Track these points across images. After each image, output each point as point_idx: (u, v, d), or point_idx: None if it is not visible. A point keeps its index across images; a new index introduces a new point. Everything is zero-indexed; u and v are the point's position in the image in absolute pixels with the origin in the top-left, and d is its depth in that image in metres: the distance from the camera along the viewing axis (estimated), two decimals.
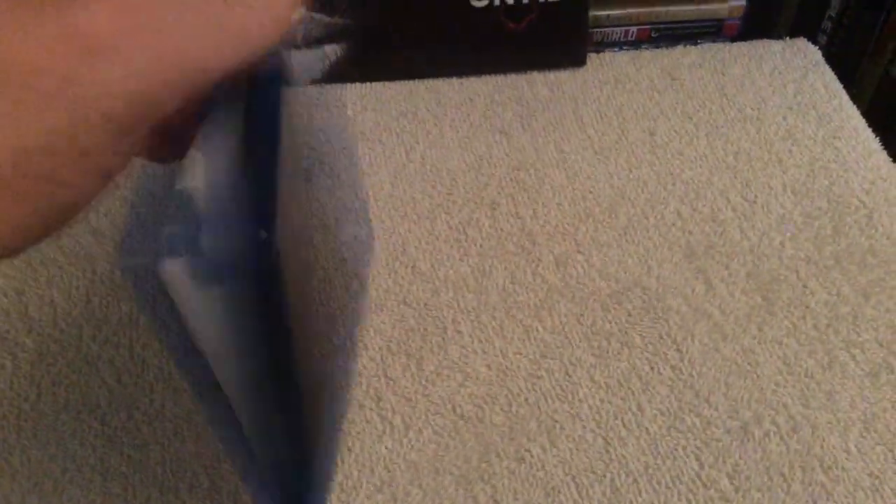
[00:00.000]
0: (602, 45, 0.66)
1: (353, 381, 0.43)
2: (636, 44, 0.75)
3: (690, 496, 0.40)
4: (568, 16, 0.59)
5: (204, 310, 0.26)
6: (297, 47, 0.66)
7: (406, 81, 0.60)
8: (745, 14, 0.76)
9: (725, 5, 0.75)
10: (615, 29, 0.78)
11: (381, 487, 0.41)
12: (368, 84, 0.60)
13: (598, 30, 0.78)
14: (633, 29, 0.77)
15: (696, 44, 0.65)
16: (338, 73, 0.60)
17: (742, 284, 0.47)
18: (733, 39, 0.66)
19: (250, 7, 0.23)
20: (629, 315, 0.46)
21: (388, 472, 0.41)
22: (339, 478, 0.41)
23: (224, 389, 0.29)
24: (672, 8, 0.76)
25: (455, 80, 0.60)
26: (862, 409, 0.42)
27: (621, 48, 0.65)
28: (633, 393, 0.43)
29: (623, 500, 0.40)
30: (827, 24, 0.83)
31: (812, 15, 0.83)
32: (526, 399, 0.43)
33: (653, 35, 0.79)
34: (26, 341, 0.49)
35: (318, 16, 0.66)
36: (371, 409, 0.43)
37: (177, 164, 0.24)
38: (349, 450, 0.42)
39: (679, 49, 0.61)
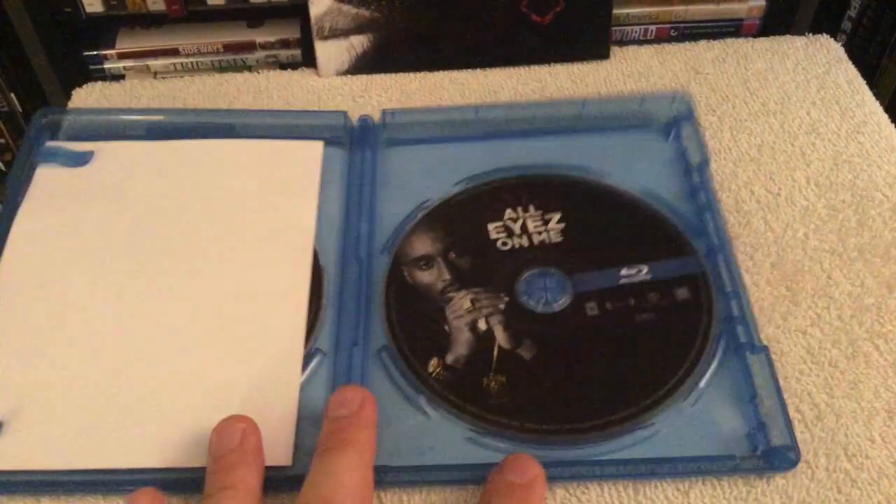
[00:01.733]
0: (621, 44, 0.66)
1: None
2: (655, 42, 0.75)
3: (715, 481, 0.40)
4: (592, 9, 0.59)
5: None
6: (325, 38, 0.67)
7: (430, 73, 0.60)
8: (765, 14, 0.76)
9: (745, 5, 0.75)
10: (635, 27, 0.78)
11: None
12: (392, 75, 0.60)
13: (618, 28, 0.78)
14: (653, 27, 0.77)
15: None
16: (363, 65, 0.60)
17: (766, 275, 0.47)
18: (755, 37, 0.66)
19: None
20: None
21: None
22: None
23: None
24: (692, 7, 0.76)
25: (479, 72, 0.60)
26: (886, 398, 0.42)
27: (640, 46, 0.65)
28: None
29: (647, 484, 0.40)
30: (847, 24, 0.83)
31: (831, 15, 0.83)
32: None
33: (672, 34, 0.79)
34: None
35: (345, 7, 0.66)
36: None
37: None
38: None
39: (702, 44, 0.61)
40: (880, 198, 0.51)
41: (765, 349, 0.42)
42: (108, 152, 0.52)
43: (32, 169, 0.51)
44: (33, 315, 0.44)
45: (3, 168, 0.79)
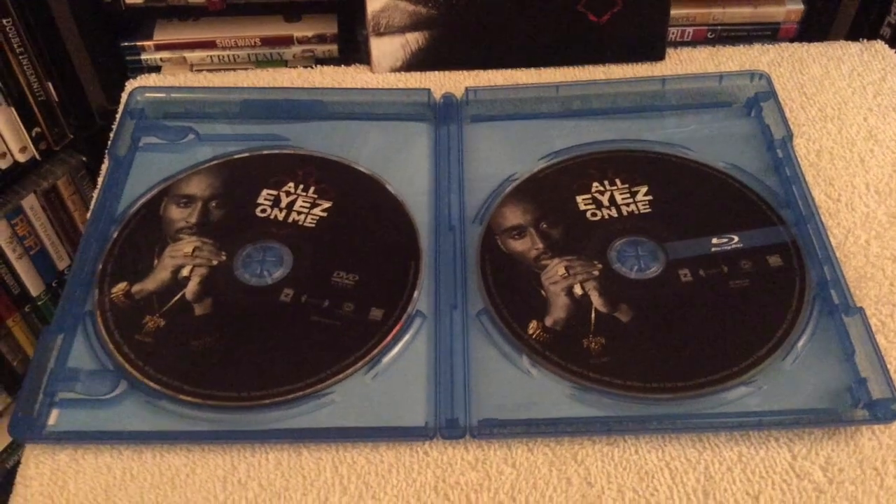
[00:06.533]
0: (673, 45, 0.66)
1: None
2: (692, 44, 0.75)
3: (784, 486, 0.40)
4: (650, 9, 0.59)
5: None
6: (380, 34, 0.67)
7: (483, 71, 0.60)
8: (802, 18, 0.76)
9: (783, 9, 0.75)
10: (672, 29, 0.78)
11: (474, 464, 0.41)
12: (446, 73, 0.60)
13: None
14: (690, 29, 0.77)
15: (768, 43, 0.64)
16: (417, 62, 0.60)
17: None
18: (791, 42, 0.66)
19: None
20: None
21: (482, 449, 0.42)
22: (434, 454, 0.41)
23: None
24: (730, 10, 0.76)
25: (533, 71, 0.60)
26: None
27: (676, 48, 0.65)
28: None
29: (717, 488, 0.40)
30: (886, 31, 0.82)
31: (871, 20, 0.82)
32: None
33: (709, 36, 0.79)
34: None
35: (402, 4, 0.66)
36: None
37: None
38: None
39: (757, 47, 0.61)
40: None
41: (860, 310, 0.43)
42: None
43: (135, 144, 0.54)
44: None
45: (38, 157, 0.78)
